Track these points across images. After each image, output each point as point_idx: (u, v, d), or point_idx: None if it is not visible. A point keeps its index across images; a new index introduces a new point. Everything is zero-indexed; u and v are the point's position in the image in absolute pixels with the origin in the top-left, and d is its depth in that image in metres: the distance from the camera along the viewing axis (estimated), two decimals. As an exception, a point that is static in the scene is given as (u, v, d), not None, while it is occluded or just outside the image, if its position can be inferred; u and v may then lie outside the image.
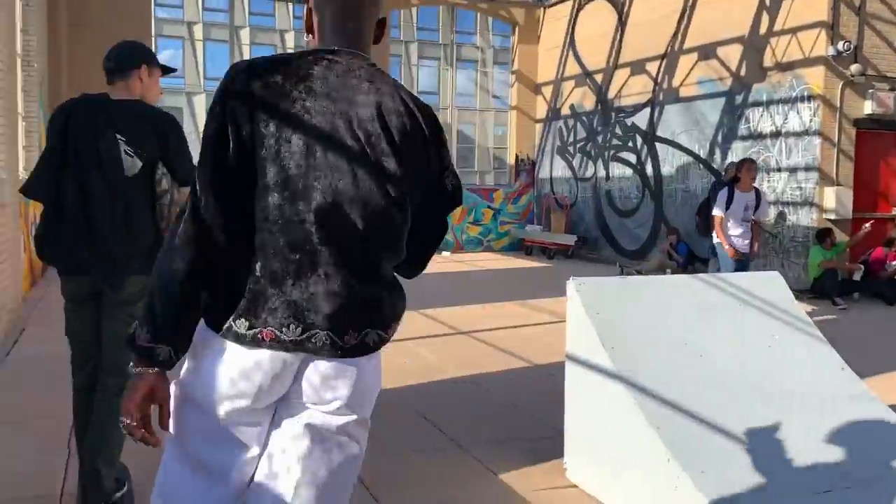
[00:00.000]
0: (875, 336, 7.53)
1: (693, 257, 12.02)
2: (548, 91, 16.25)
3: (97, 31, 11.44)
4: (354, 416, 1.67)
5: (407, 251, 1.71)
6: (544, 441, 4.06)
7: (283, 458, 1.60)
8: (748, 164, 7.52)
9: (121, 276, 2.84)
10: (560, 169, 15.91)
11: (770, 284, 3.99)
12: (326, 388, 1.60)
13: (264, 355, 1.54)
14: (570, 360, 3.62)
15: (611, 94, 14.15)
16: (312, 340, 1.55)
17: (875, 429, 3.31)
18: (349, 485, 1.71)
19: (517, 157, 16.77)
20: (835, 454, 3.12)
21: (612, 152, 14.27)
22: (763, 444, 3.10)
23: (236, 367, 1.55)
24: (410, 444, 4.07)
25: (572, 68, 15.30)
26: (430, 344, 6.60)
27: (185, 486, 1.60)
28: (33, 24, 9.62)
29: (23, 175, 8.82)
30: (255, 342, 1.53)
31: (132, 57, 2.98)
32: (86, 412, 2.97)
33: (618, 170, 14.11)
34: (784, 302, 3.92)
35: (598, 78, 14.50)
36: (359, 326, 1.60)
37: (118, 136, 2.81)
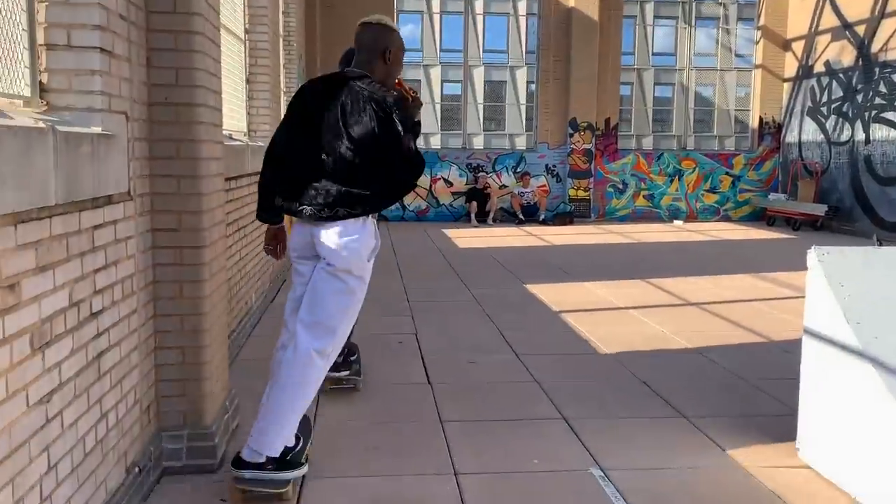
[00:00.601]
0: None
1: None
2: (798, 47, 14.83)
3: (347, 9, 12.44)
4: (333, 257, 2.92)
5: (383, 184, 2.96)
6: (776, 419, 3.86)
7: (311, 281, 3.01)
8: None
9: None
10: (810, 132, 14.51)
11: None
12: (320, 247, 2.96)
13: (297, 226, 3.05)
14: (808, 334, 3.39)
15: (875, 47, 12.57)
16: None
17: None
18: (328, 300, 2.93)
19: (761, 119, 15.56)
20: None
21: (874, 112, 12.72)
22: None
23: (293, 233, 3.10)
24: (632, 409, 4.07)
25: (828, 20, 13.79)
26: (657, 314, 6.46)
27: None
28: (293, 6, 10.65)
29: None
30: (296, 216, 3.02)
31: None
32: None
33: (880, 132, 12.56)
34: None
35: (860, 30, 12.94)
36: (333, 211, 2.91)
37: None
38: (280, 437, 2.88)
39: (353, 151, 2.88)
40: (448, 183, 15.00)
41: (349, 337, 3.56)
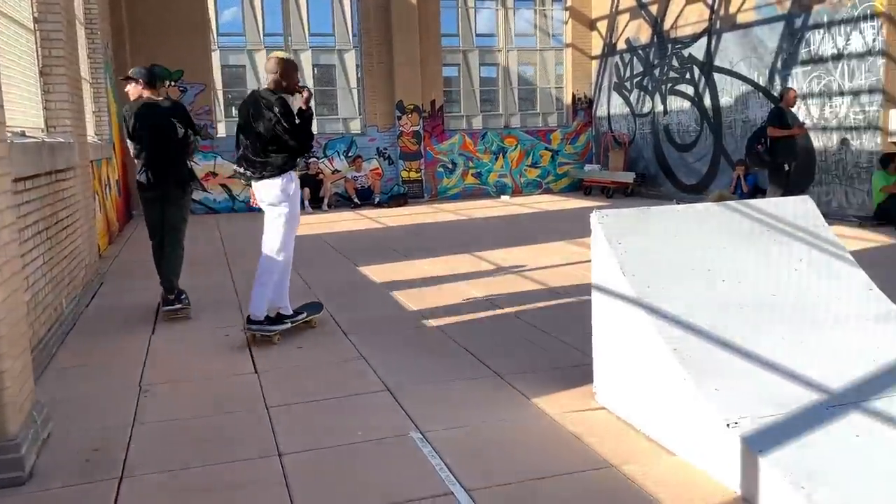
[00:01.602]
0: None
1: (758, 189, 11.80)
2: (603, 26, 15.90)
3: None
4: (267, 201, 5.02)
5: (285, 152, 4.95)
6: (579, 368, 4.25)
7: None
8: None
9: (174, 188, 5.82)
10: (617, 106, 15.66)
11: (801, 209, 4.01)
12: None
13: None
14: (595, 288, 3.77)
15: (666, 24, 13.76)
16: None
17: (897, 346, 3.35)
18: (273, 223, 5.06)
19: (574, 95, 16.56)
20: (853, 371, 3.20)
21: (669, 86, 13.95)
22: (780, 363, 3.20)
23: None
24: (452, 373, 4.32)
25: (627, 0, 14.90)
26: (481, 283, 6.82)
27: None
28: (93, -8, 10.02)
29: (92, 139, 9.32)
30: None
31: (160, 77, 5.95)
32: (160, 256, 5.86)
33: (675, 103, 13.81)
34: (814, 226, 3.95)
35: (654, 9, 14.10)
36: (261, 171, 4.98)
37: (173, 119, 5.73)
38: (261, 306, 5.02)
39: (261, 137, 4.91)
40: (278, 171, 14.75)
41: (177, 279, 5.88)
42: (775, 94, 11.28)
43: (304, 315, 5.33)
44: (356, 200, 14.55)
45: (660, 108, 14.26)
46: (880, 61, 9.56)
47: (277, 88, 4.95)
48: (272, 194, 4.96)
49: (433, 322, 5.49)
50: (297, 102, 4.99)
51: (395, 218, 12.61)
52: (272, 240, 5.04)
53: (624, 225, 3.70)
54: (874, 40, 9.61)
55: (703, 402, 2.99)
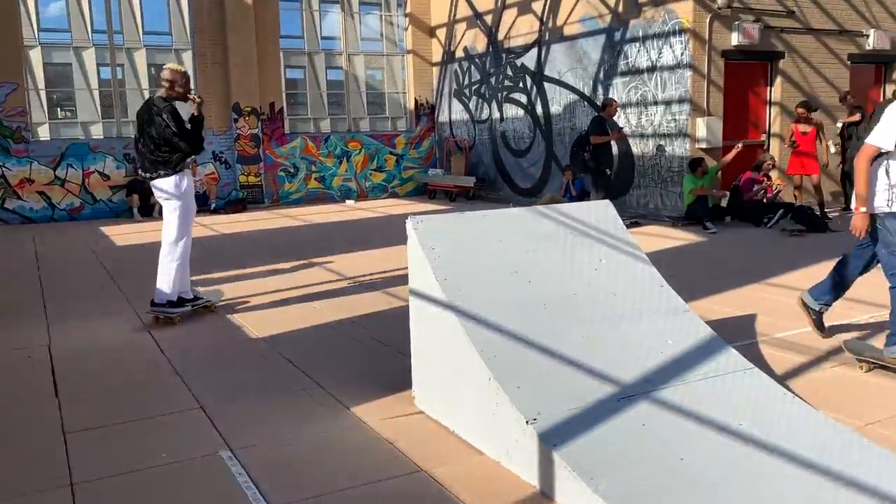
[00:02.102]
0: (733, 257, 8.06)
1: (585, 193, 12.45)
2: (442, 34, 16.21)
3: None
4: (164, 196, 5.62)
5: (176, 153, 5.58)
6: (402, 373, 4.27)
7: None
8: None
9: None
10: (458, 112, 16.02)
11: (602, 213, 4.25)
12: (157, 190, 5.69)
13: None
14: (412, 293, 3.81)
15: (500, 34, 14.25)
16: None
17: (684, 338, 3.64)
18: (170, 217, 5.65)
19: (416, 101, 16.76)
20: (644, 363, 3.43)
21: (504, 94, 14.45)
22: (579, 359, 3.37)
23: None
24: (273, 389, 4.21)
25: (464, 9, 15.28)
26: (316, 292, 6.72)
27: None
28: None
29: None
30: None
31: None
32: None
33: (510, 111, 14.33)
34: (614, 228, 4.20)
35: (489, 19, 14.55)
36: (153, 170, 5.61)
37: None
38: (165, 290, 5.62)
39: (154, 140, 5.51)
40: (104, 176, 13.86)
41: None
42: (598, 103, 11.98)
43: (204, 300, 5.95)
44: (192, 207, 13.92)
45: (497, 115, 14.74)
46: (688, 73, 10.39)
47: (170, 96, 5.58)
48: (167, 191, 5.57)
49: (259, 334, 5.33)
50: (189, 109, 5.61)
51: (233, 225, 12.19)
52: (170, 231, 5.65)
53: (437, 231, 3.77)
54: (682, 54, 10.44)
55: (506, 401, 3.09)
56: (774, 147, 11.21)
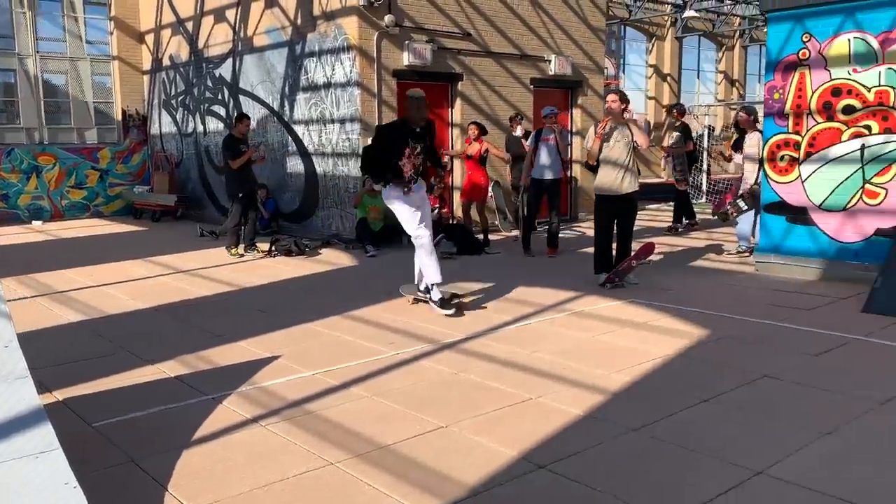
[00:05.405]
0: (353, 284, 7.70)
1: (279, 213, 11.83)
2: (151, 40, 14.98)
3: None
4: None
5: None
6: None
7: None
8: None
9: None
10: (167, 124, 14.85)
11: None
12: None
13: None
14: None
15: (200, 43, 13.33)
16: None
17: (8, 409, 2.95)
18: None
19: (124, 111, 15.35)
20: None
21: (206, 106, 13.52)
22: None
23: None
24: None
25: (168, 16, 14.19)
26: None
27: None
28: None
29: None
30: None
31: None
32: None
33: (212, 124, 13.42)
34: None
35: (190, 26, 13.58)
36: None
37: None
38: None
39: None
40: None
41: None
42: (286, 119, 11.41)
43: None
44: None
45: (201, 128, 13.76)
46: (356, 92, 10.06)
47: None
48: None
49: None
50: None
51: None
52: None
53: None
54: (351, 71, 10.09)
55: None
56: (458, 168, 11.20)
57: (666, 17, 23.63)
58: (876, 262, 6.62)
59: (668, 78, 24.85)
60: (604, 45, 13.53)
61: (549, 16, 12.15)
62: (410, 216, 6.19)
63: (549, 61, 12.16)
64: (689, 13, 20.26)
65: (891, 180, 6.86)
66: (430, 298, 6.21)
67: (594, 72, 13.03)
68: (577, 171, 12.89)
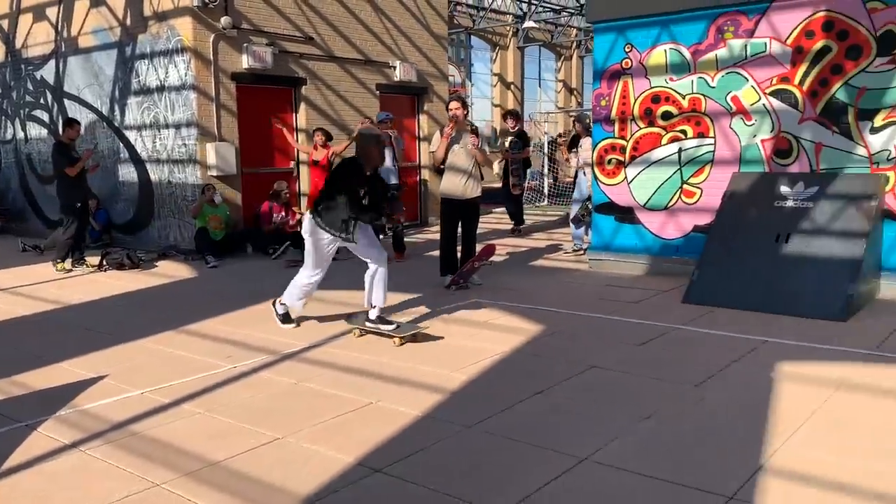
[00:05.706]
0: (194, 297, 7.40)
1: (112, 224, 11.12)
2: (-39, 38, 13.63)
3: None
4: None
5: None
6: None
7: None
8: None
9: None
10: None
11: None
12: None
13: None
14: None
15: (18, 42, 12.30)
16: None
17: None
18: None
19: (-70, 116, 13.85)
20: None
21: (27, 111, 12.49)
22: None
23: None
24: None
25: (-19, 11, 12.97)
26: None
27: None
28: None
29: None
30: None
31: None
32: None
33: (34, 130, 12.42)
34: None
35: (5, 24, 12.49)
36: None
37: None
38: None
39: None
40: None
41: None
42: (117, 124, 10.76)
43: None
44: None
45: (21, 134, 12.69)
46: (192, 95, 9.65)
47: None
48: None
49: None
50: None
51: None
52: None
53: None
54: (186, 74, 9.68)
55: None
56: (304, 175, 11.01)
57: (508, 28, 24.49)
58: (694, 257, 7.18)
59: (512, 86, 25.81)
60: (447, 52, 13.81)
61: (392, 22, 12.23)
62: (320, 257, 5.62)
63: (394, 67, 12.25)
64: (528, 24, 21.13)
65: (705, 181, 7.46)
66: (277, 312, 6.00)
67: (439, 79, 13.25)
68: (426, 175, 13.06)
